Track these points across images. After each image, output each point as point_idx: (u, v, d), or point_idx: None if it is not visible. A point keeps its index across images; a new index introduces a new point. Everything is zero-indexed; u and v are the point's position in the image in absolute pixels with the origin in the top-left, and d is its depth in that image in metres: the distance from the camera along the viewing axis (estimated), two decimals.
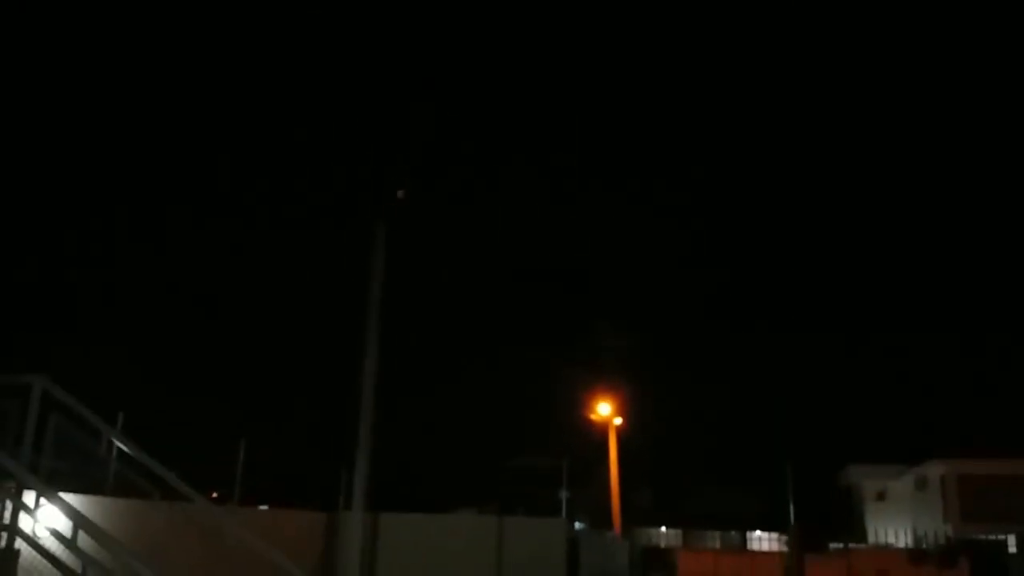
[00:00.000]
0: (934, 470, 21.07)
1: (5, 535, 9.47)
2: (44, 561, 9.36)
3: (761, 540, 33.76)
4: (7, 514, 10.37)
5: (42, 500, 10.37)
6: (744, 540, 34.33)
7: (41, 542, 9.72)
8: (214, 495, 16.75)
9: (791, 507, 23.29)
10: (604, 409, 25.08)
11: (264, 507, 17.21)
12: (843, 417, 26.63)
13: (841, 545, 25.42)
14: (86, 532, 8.41)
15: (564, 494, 22.83)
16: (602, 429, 25.07)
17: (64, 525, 10.09)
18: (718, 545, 34.21)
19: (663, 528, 35.15)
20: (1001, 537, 24.46)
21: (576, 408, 25.30)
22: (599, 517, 24.72)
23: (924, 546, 23.12)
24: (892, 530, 24.94)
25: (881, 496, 21.35)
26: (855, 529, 25.37)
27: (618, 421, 25.10)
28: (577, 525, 24.47)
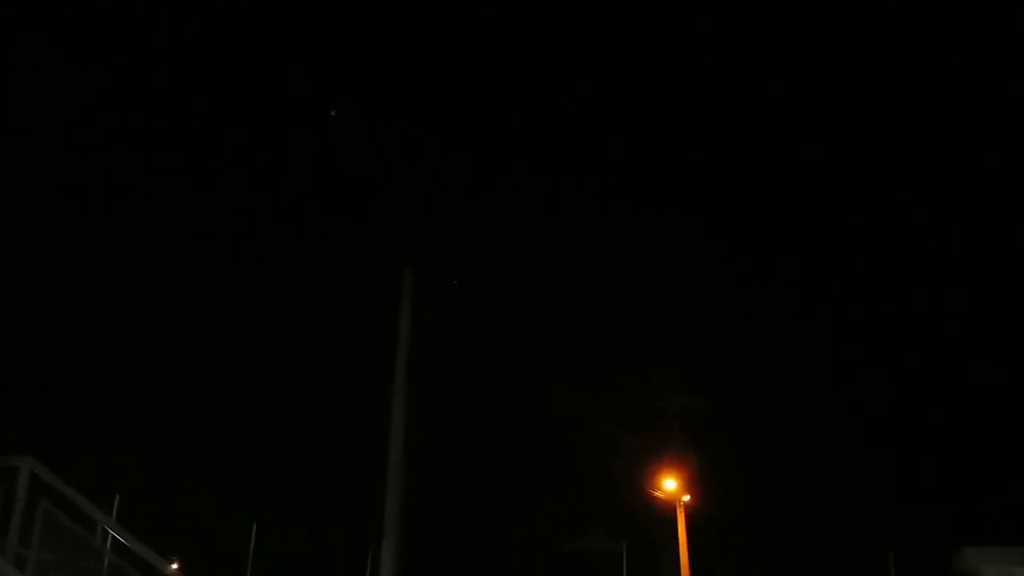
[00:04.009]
0: None
1: None
2: None
3: None
4: None
5: None
6: None
7: None
8: None
9: None
10: (671, 484, 23.93)
11: None
12: (954, 493, 24.98)
13: None
14: None
15: None
16: (669, 506, 23.81)
17: None
18: None
19: None
20: None
21: (638, 481, 24.44)
22: None
23: None
24: None
25: None
26: None
27: (687, 498, 23.85)
28: None
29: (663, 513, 23.89)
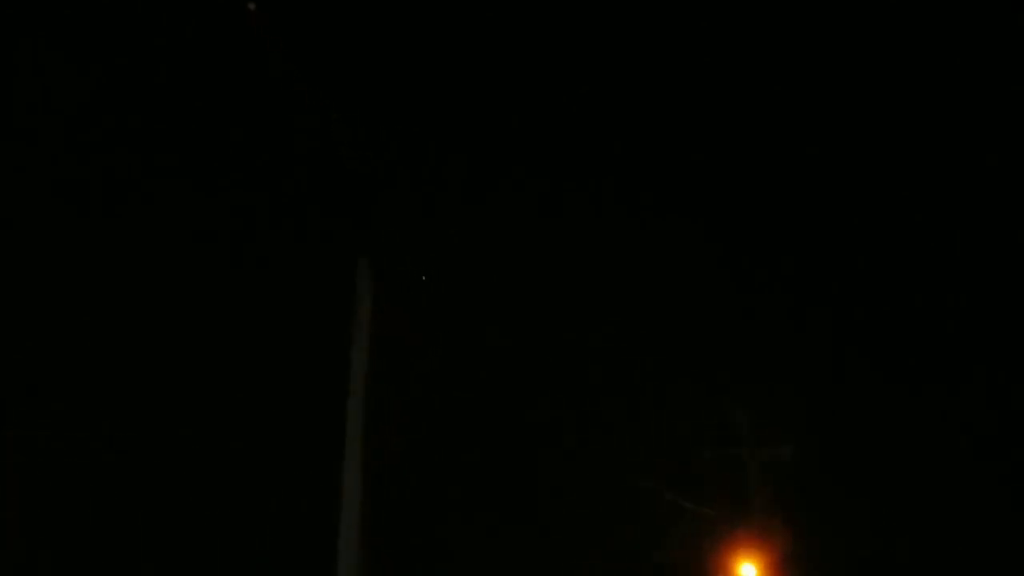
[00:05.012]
0: None
1: None
2: None
3: None
4: None
5: None
6: None
7: None
8: None
9: None
10: (750, 571, 20.48)
11: None
12: None
13: None
14: None
15: None
16: None
17: None
18: None
19: None
20: None
21: (702, 567, 20.80)
22: None
23: None
24: None
25: None
26: None
27: None
28: None
29: None
